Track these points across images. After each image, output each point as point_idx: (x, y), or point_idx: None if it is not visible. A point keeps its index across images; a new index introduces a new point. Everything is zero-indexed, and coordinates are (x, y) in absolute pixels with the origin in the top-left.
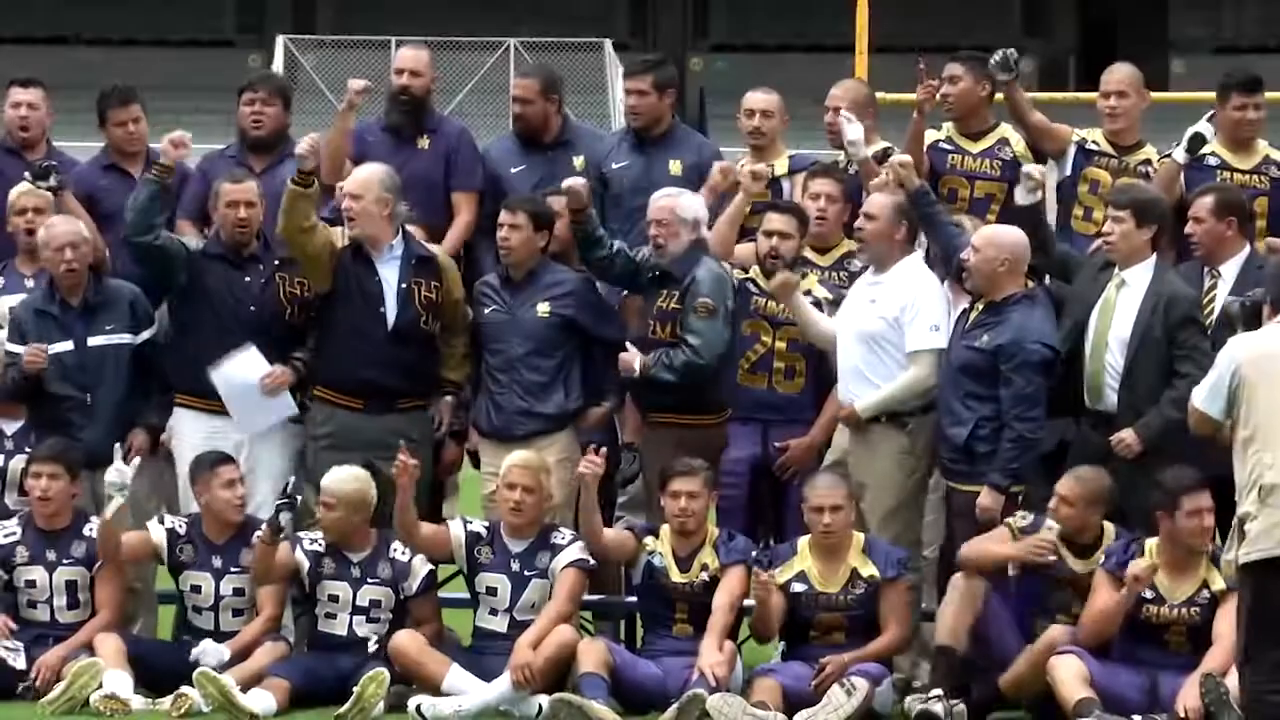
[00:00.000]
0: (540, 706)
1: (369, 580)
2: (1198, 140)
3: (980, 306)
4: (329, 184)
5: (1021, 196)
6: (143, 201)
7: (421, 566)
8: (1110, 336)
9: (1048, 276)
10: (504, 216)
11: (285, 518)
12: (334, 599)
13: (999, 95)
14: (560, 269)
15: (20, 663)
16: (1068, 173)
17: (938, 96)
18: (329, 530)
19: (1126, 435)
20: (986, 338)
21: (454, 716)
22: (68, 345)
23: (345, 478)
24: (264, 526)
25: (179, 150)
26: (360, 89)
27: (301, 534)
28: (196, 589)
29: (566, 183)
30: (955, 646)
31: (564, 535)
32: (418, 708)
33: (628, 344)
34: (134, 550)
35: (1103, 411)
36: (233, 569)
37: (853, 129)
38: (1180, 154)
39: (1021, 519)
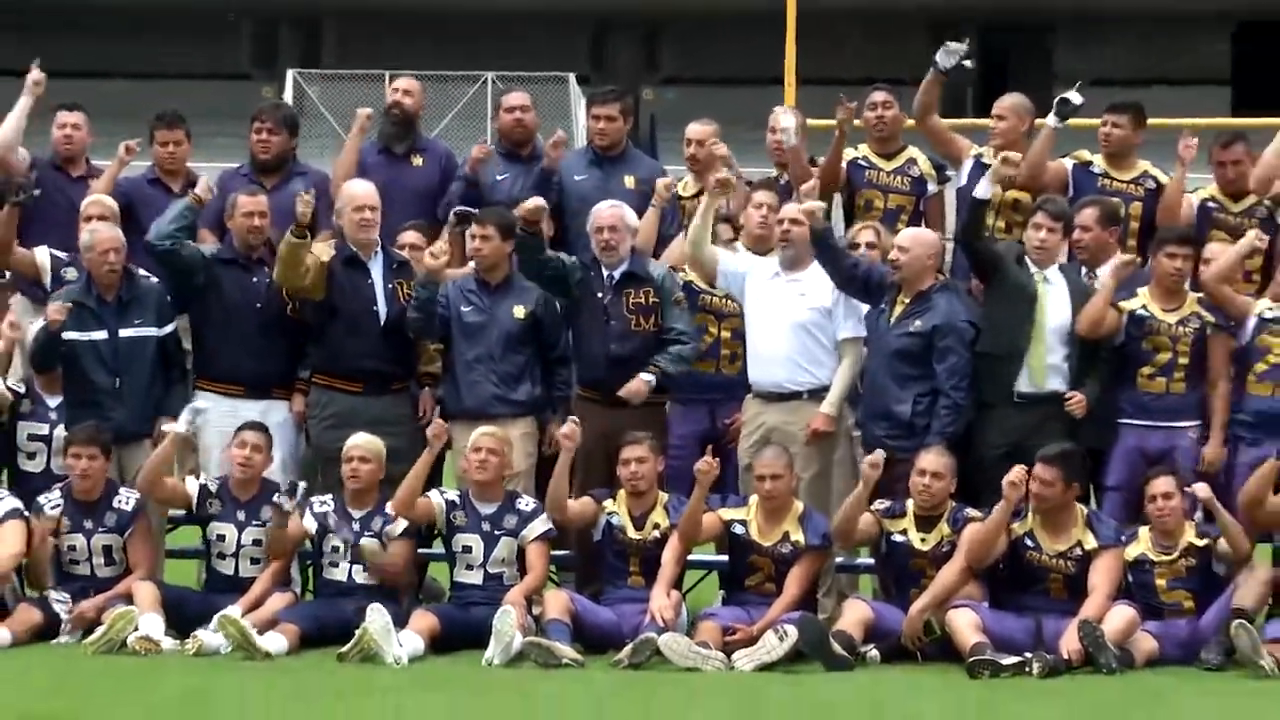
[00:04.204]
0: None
1: (366, 533)
2: (1063, 104)
3: (905, 299)
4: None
5: (984, 189)
6: (173, 215)
7: (401, 520)
8: (1047, 330)
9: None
10: (475, 229)
11: (286, 503)
12: (336, 549)
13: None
14: None
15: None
16: (964, 183)
17: (872, 119)
18: (361, 480)
19: (1078, 397)
20: (919, 322)
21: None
22: (102, 334)
23: (369, 439)
24: (272, 513)
25: (209, 195)
26: (368, 114)
27: (312, 499)
28: (221, 538)
29: (530, 203)
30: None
31: (528, 502)
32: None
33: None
34: (172, 492)
35: (1034, 394)
36: (254, 523)
37: (786, 118)
38: (1051, 119)
39: (881, 504)
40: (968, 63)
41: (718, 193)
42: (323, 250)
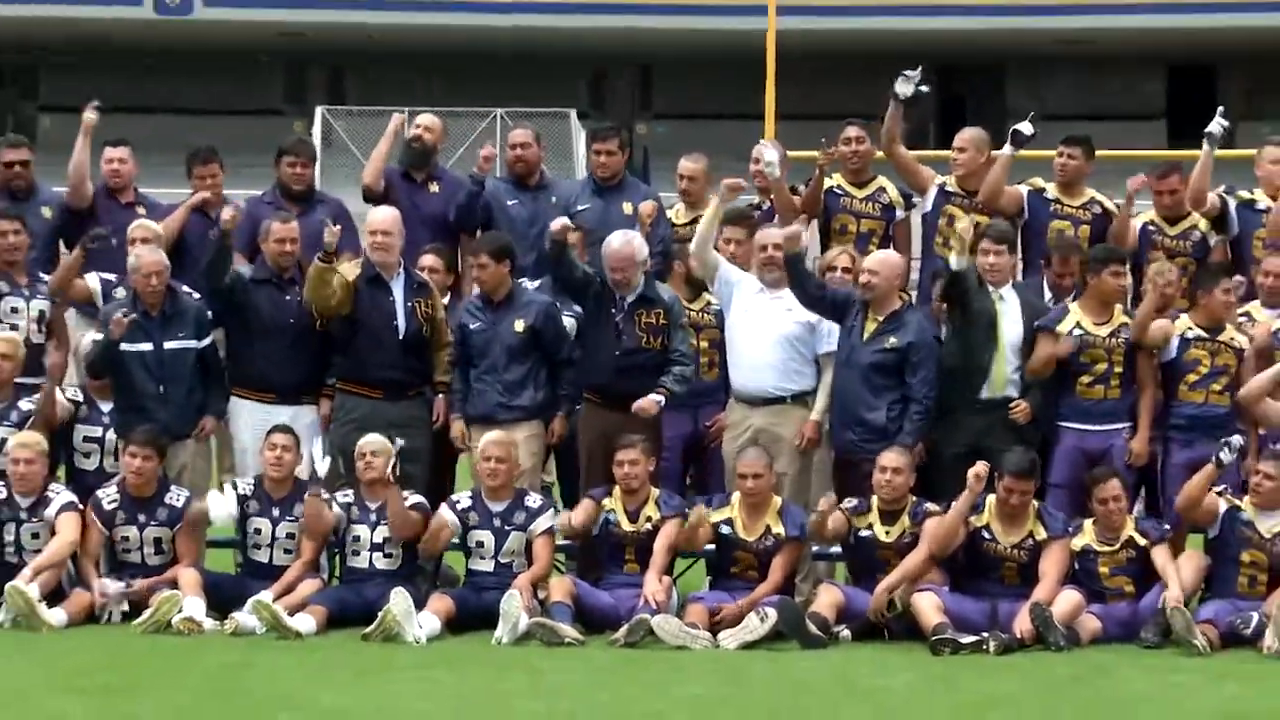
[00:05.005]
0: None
1: (382, 522)
2: (1016, 135)
3: (878, 317)
4: (371, 184)
5: (956, 262)
6: (209, 259)
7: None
8: (1006, 344)
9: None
10: (473, 259)
11: (322, 492)
12: (357, 539)
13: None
14: (530, 292)
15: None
16: (928, 209)
17: (847, 152)
18: (375, 471)
19: (1023, 406)
20: (894, 339)
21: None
22: (148, 346)
23: (379, 438)
24: (311, 486)
25: (233, 223)
26: (401, 120)
27: (336, 495)
28: (258, 531)
29: (555, 224)
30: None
31: (535, 499)
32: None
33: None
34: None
35: (992, 399)
36: (287, 518)
37: (769, 152)
38: (1007, 148)
39: (849, 502)
40: (924, 88)
41: (728, 197)
42: (350, 270)
